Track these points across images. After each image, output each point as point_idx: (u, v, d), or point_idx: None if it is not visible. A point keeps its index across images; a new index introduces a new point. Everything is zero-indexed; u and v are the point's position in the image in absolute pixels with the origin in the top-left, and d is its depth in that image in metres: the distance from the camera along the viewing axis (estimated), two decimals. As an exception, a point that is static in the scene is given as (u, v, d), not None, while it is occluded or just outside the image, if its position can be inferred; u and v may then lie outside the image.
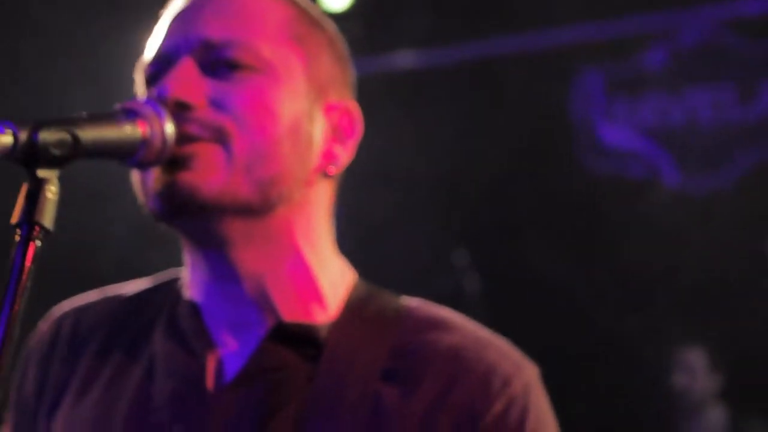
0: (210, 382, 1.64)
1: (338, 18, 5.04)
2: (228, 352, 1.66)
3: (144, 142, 1.53)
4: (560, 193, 5.06)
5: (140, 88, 1.70)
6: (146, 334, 1.71)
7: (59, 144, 1.41)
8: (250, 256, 1.64)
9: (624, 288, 5.04)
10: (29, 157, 1.39)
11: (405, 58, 5.18)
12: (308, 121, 1.66)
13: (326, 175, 1.70)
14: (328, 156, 1.69)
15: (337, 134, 1.71)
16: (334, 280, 1.71)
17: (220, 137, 1.59)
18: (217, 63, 1.62)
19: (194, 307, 1.68)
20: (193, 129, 1.59)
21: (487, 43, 5.16)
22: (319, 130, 1.68)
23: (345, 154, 1.71)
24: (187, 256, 1.71)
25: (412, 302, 1.74)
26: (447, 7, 5.04)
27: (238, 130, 1.60)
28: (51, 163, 1.41)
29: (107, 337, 1.73)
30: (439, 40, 5.14)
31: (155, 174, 1.60)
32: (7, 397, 1.30)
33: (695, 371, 5.05)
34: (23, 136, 1.38)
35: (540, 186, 5.00)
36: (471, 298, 4.91)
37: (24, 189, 1.40)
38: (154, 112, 1.55)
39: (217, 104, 1.60)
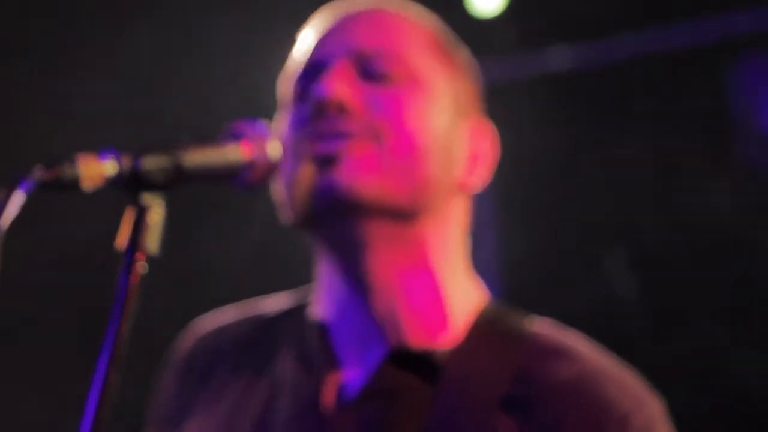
0: (329, 401, 1.66)
1: (492, 23, 5.02)
2: (349, 372, 1.68)
3: (249, 164, 1.55)
4: (721, 193, 4.91)
5: (286, 104, 1.74)
6: (275, 354, 1.75)
7: (162, 170, 1.45)
8: (385, 263, 1.66)
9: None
10: (133, 183, 1.43)
11: (560, 58, 5.12)
12: (453, 136, 1.71)
13: (464, 193, 1.73)
14: (468, 173, 1.73)
15: (476, 153, 1.75)
16: (463, 300, 1.72)
17: (377, 136, 1.64)
18: (371, 72, 1.68)
19: (320, 328, 1.71)
20: (350, 127, 1.64)
21: (644, 39, 5.05)
22: (461, 146, 1.72)
23: (483, 174, 1.75)
24: (321, 268, 1.73)
25: (540, 325, 1.72)
26: (596, 5, 4.95)
27: (392, 133, 1.64)
28: (154, 188, 1.44)
29: (240, 356, 1.78)
30: (595, 38, 5.06)
31: (308, 172, 1.64)
32: (112, 415, 1.34)
33: None
34: (126, 163, 1.42)
35: (700, 185, 4.87)
36: (626, 304, 4.79)
37: (128, 214, 1.43)
38: (258, 133, 1.57)
39: (373, 107, 1.65)
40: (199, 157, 1.50)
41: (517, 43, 5.10)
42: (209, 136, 1.54)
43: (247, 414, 1.71)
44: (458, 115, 1.72)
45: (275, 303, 1.84)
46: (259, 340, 1.78)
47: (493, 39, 5.01)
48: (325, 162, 1.62)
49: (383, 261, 1.66)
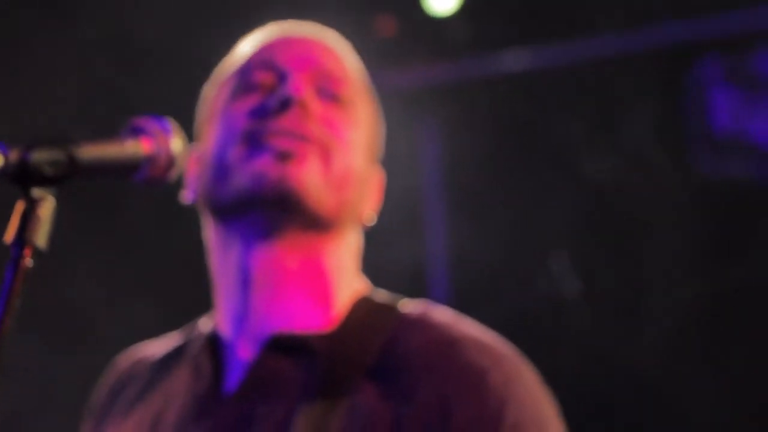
0: (213, 398, 1.74)
1: (445, 21, 5.01)
2: (236, 370, 1.75)
3: (148, 159, 1.53)
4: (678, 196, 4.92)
5: (227, 92, 1.81)
6: (173, 373, 1.83)
7: (53, 163, 1.42)
8: (286, 259, 1.75)
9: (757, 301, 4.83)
10: (22, 176, 1.40)
11: (514, 59, 5.12)
12: (368, 173, 1.85)
13: (362, 222, 1.85)
14: (369, 208, 1.86)
15: (375, 192, 1.89)
16: (347, 294, 1.81)
17: (326, 151, 1.75)
18: (325, 91, 1.80)
19: (210, 339, 1.79)
20: (309, 131, 1.74)
21: (596, 43, 5.05)
22: (370, 184, 1.87)
23: (374, 213, 1.88)
24: (219, 270, 1.79)
25: (411, 306, 1.80)
26: (552, 7, 4.95)
27: (336, 152, 1.76)
28: (45, 182, 1.41)
29: (146, 383, 1.86)
30: (545, 41, 5.06)
31: (262, 161, 1.71)
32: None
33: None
34: (14, 156, 1.39)
35: (655, 189, 4.87)
36: (571, 303, 4.80)
37: (18, 208, 1.40)
38: (160, 129, 1.55)
39: (326, 122, 1.77)
40: (94, 151, 1.47)
41: (472, 43, 5.10)
42: (110, 131, 1.52)
43: (142, 427, 1.78)
44: (373, 154, 1.87)
45: (172, 340, 1.91)
46: (160, 368, 1.86)
47: (449, 38, 5.01)
48: (283, 156, 1.71)
49: (285, 257, 1.75)
